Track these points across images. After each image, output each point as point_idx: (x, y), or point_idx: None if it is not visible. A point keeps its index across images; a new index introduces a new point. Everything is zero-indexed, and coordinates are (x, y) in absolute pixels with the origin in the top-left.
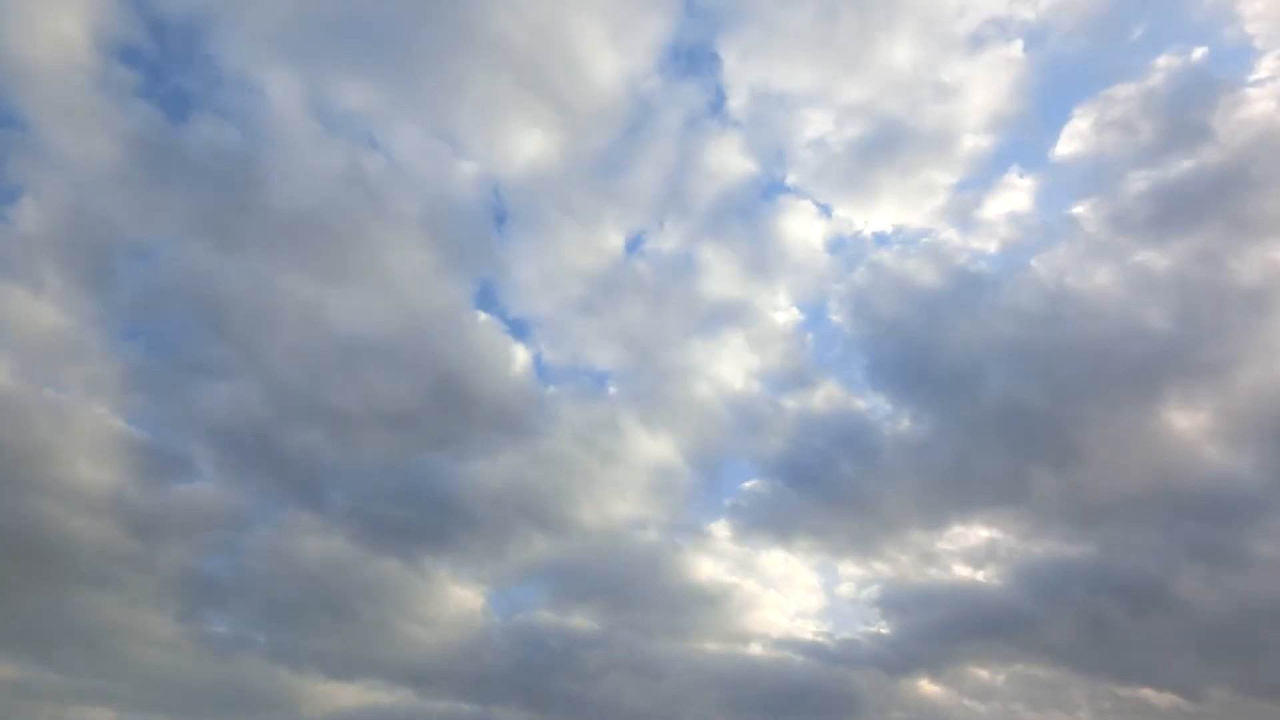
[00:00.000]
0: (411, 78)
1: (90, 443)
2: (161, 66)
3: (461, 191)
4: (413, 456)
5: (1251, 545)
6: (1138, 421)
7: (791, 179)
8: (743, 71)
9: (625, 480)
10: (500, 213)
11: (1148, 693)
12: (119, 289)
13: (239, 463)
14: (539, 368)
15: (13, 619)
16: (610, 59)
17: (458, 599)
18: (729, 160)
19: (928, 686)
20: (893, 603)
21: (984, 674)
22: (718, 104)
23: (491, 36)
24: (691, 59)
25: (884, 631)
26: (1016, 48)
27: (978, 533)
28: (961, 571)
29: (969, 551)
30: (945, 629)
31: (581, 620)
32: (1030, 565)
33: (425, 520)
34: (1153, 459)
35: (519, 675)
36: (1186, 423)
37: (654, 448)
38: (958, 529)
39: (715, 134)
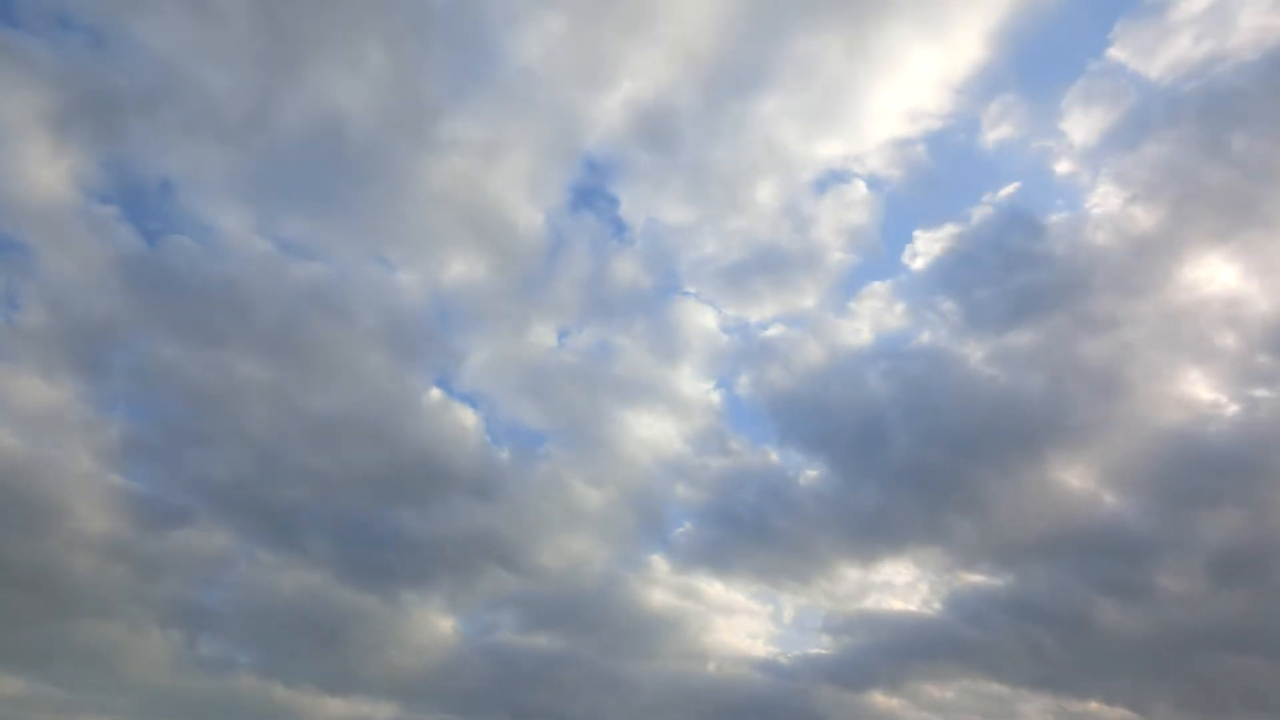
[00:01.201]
0: (357, 218)
1: (93, 496)
2: (135, 208)
3: (409, 302)
4: (384, 509)
5: (1154, 579)
6: (1032, 475)
7: (686, 287)
8: (636, 209)
9: (573, 525)
10: (446, 319)
11: (1097, 706)
12: (112, 374)
13: (229, 513)
14: (492, 434)
15: (20, 641)
16: (529, 204)
17: (431, 625)
18: (632, 274)
19: (884, 700)
20: (837, 627)
21: (934, 690)
22: (619, 231)
23: (432, 190)
24: (593, 199)
25: (832, 652)
26: (860, 188)
27: (906, 568)
28: (895, 603)
29: (900, 584)
30: (890, 650)
31: (547, 641)
32: (958, 596)
33: (397, 562)
34: (1054, 506)
35: (498, 690)
36: (1075, 476)
37: (596, 499)
38: (887, 565)
39: (618, 254)
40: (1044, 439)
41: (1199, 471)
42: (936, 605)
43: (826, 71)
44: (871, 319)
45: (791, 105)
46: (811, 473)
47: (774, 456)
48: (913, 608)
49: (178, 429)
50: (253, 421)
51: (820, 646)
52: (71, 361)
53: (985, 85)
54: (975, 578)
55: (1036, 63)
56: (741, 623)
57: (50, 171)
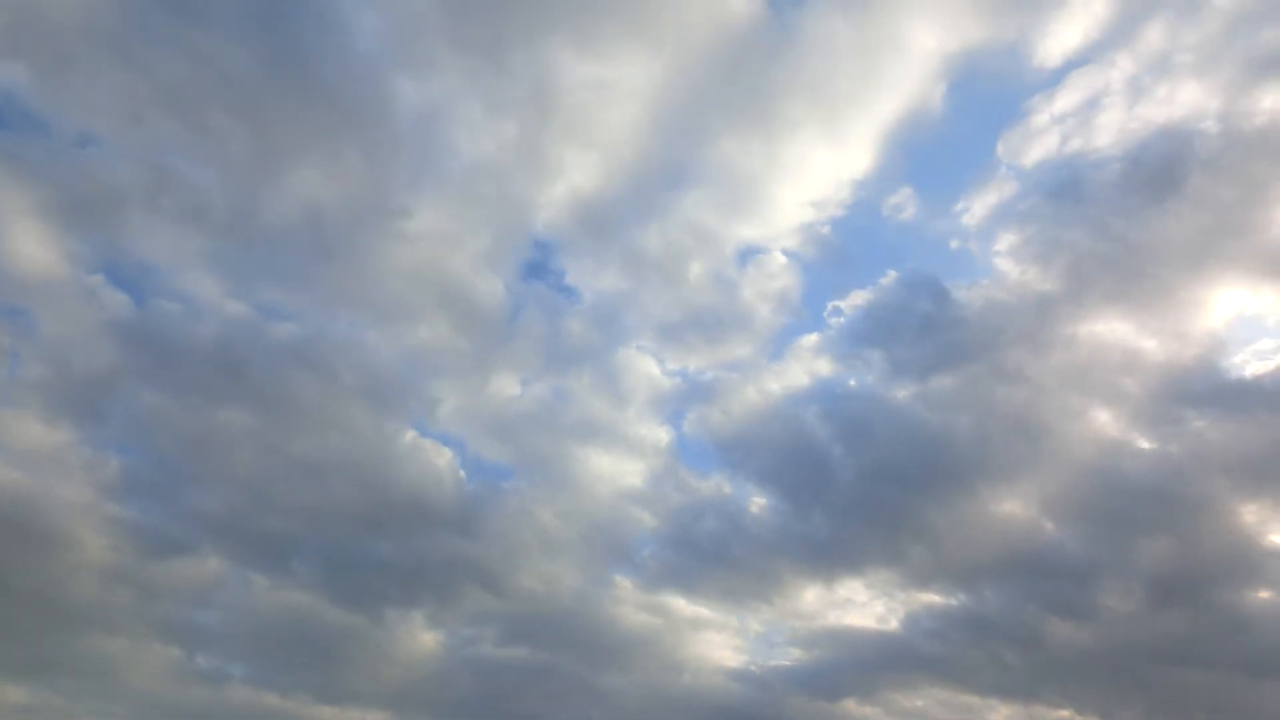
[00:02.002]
0: (332, 292)
1: (97, 527)
2: (124, 281)
3: (383, 359)
4: (368, 539)
5: (1098, 600)
6: (969, 504)
7: (630, 341)
8: (582, 280)
9: (543, 551)
10: (418, 374)
11: (1069, 714)
12: (108, 422)
13: (223, 542)
14: (467, 471)
15: (25, 654)
16: (489, 277)
17: (416, 639)
18: (581, 331)
19: (858, 709)
20: (804, 641)
21: (905, 700)
22: (568, 296)
23: (401, 270)
24: (543, 273)
25: (803, 664)
26: (779, 259)
27: (862, 588)
28: (855, 620)
29: (859, 603)
30: (858, 663)
31: (527, 653)
32: (915, 615)
33: (381, 586)
34: (997, 532)
35: (482, 698)
36: (1012, 505)
37: (562, 527)
38: (843, 585)
39: (569, 316)
40: (976, 472)
41: (1122, 501)
42: (894, 623)
43: (742, 170)
44: (804, 365)
45: (713, 197)
46: (761, 501)
47: (726, 488)
48: (873, 624)
49: (172, 471)
50: (242, 464)
51: (789, 659)
52: (70, 410)
53: (882, 180)
54: (930, 597)
55: (928, 162)
56: (711, 638)
57: (45, 251)
